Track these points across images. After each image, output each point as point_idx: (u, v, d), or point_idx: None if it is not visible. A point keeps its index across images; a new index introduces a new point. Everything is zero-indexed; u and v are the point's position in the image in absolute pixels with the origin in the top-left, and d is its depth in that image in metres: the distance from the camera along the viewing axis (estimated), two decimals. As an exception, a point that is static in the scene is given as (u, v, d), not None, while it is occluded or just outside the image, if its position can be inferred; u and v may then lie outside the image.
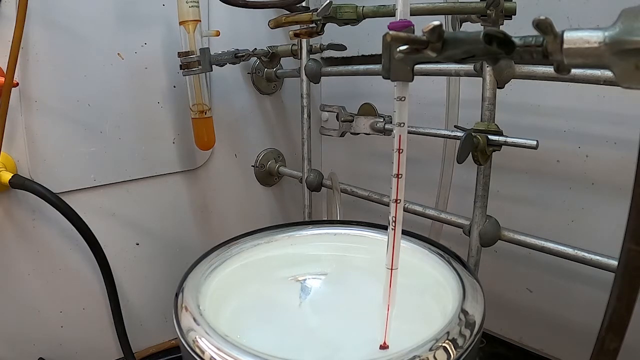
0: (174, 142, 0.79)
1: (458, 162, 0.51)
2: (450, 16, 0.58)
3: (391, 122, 0.67)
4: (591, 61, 0.24)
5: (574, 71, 0.45)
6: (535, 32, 0.25)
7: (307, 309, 0.49)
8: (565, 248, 0.50)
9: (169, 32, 0.74)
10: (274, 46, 0.81)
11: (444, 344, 0.35)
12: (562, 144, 0.62)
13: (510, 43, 0.27)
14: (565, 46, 0.24)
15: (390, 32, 0.28)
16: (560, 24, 0.23)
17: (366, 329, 0.42)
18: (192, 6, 0.68)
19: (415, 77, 0.34)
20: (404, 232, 0.42)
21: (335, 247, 0.56)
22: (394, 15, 0.36)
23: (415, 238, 0.52)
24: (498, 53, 0.27)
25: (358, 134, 0.73)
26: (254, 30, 0.84)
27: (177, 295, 0.44)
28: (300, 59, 0.77)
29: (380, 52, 0.33)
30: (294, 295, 0.50)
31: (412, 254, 0.50)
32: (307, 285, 0.52)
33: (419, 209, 0.63)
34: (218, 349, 0.36)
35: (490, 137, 0.51)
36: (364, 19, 0.58)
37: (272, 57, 0.81)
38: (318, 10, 0.59)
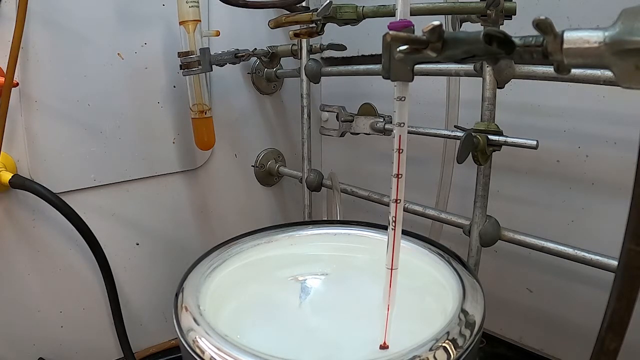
0: (174, 142, 0.79)
1: (458, 162, 0.51)
2: (450, 16, 0.58)
3: (391, 122, 0.67)
4: (591, 61, 0.24)
5: (574, 71, 0.45)
6: (535, 32, 0.25)
7: (307, 309, 0.49)
8: (565, 248, 0.50)
9: (169, 32, 0.74)
10: (274, 46, 0.81)
11: (444, 344, 0.35)
12: (562, 144, 0.62)
13: (510, 43, 0.27)
14: (565, 46, 0.24)
15: (390, 32, 0.28)
16: (560, 24, 0.23)
17: (366, 329, 0.42)
18: (192, 6, 0.68)
19: (415, 77, 0.34)
20: (404, 232, 0.42)
21: (335, 247, 0.56)
22: (394, 15, 0.36)
23: (415, 238, 0.52)
24: (498, 53, 0.27)
25: (358, 134, 0.73)
26: (254, 30, 0.84)
27: (177, 295, 0.44)
28: (300, 59, 0.77)
29: (380, 52, 0.33)
30: (294, 295, 0.50)
31: (412, 254, 0.50)
32: (307, 285, 0.52)
33: (419, 209, 0.63)
34: (218, 349, 0.36)
35: (490, 137, 0.51)
36: (364, 19, 0.58)
37: (272, 57, 0.81)
38: (318, 10, 0.59)
